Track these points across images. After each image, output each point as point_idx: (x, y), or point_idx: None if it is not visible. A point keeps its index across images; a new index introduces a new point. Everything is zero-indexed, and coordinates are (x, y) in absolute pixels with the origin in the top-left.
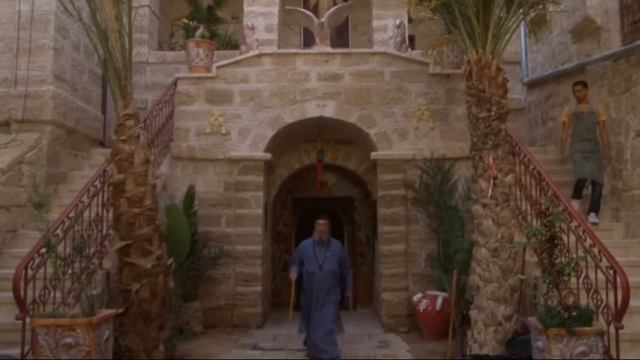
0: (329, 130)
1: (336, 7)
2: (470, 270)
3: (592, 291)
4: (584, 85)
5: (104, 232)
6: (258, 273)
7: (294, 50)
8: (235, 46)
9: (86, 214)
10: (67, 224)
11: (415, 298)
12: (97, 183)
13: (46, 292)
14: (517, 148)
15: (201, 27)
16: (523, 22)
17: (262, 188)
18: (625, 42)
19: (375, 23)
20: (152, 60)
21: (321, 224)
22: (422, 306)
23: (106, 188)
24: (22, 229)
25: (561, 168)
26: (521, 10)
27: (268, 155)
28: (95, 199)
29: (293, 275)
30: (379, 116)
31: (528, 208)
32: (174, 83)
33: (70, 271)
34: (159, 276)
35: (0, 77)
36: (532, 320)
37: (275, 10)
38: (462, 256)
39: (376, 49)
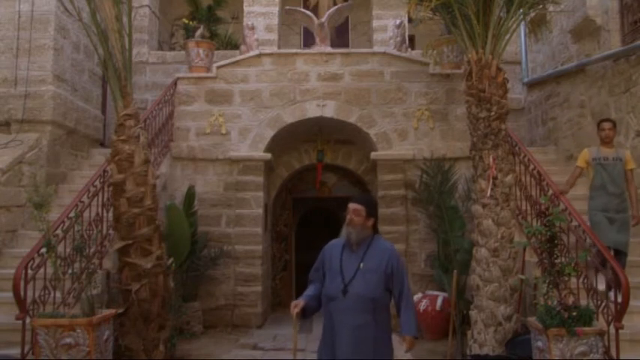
0: (329, 130)
1: (336, 7)
2: (470, 270)
3: (592, 291)
4: (614, 124)
5: (104, 232)
6: (258, 273)
7: (294, 50)
8: (235, 46)
9: (86, 214)
10: (67, 224)
11: (415, 298)
12: (97, 183)
13: (46, 292)
14: (517, 148)
15: (201, 27)
16: (523, 22)
17: (262, 188)
18: (625, 42)
19: (375, 23)
20: (152, 60)
21: (352, 210)
22: (422, 306)
23: (106, 188)
24: (22, 229)
25: (561, 168)
26: (521, 10)
27: (268, 155)
28: (95, 199)
29: (296, 305)
30: (379, 116)
31: (528, 208)
32: (174, 83)
33: (70, 271)
34: (159, 276)
35: (0, 77)
36: (532, 320)
37: (275, 10)
38: (462, 256)
39: (376, 49)
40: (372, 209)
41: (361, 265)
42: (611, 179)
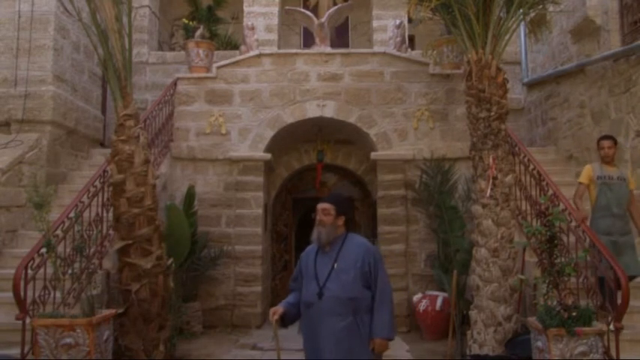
0: (329, 130)
1: (336, 7)
2: (470, 270)
3: (592, 291)
4: (615, 141)
5: (104, 232)
6: (258, 273)
7: (294, 50)
8: (235, 46)
9: (86, 214)
10: (67, 224)
11: (415, 298)
12: (97, 183)
13: (46, 292)
14: (517, 148)
15: (201, 27)
16: (523, 23)
17: (262, 188)
18: (625, 42)
19: (375, 23)
20: (152, 60)
21: (320, 210)
22: (422, 306)
23: (106, 188)
24: (22, 229)
25: (561, 168)
26: (521, 11)
27: (268, 155)
28: (95, 199)
29: (275, 312)
30: (379, 116)
31: (528, 208)
32: (174, 83)
33: (70, 271)
34: (159, 276)
35: (0, 77)
36: (532, 320)
37: (275, 10)
38: (462, 256)
39: (376, 49)
40: (341, 207)
41: (335, 265)
42: (617, 200)
